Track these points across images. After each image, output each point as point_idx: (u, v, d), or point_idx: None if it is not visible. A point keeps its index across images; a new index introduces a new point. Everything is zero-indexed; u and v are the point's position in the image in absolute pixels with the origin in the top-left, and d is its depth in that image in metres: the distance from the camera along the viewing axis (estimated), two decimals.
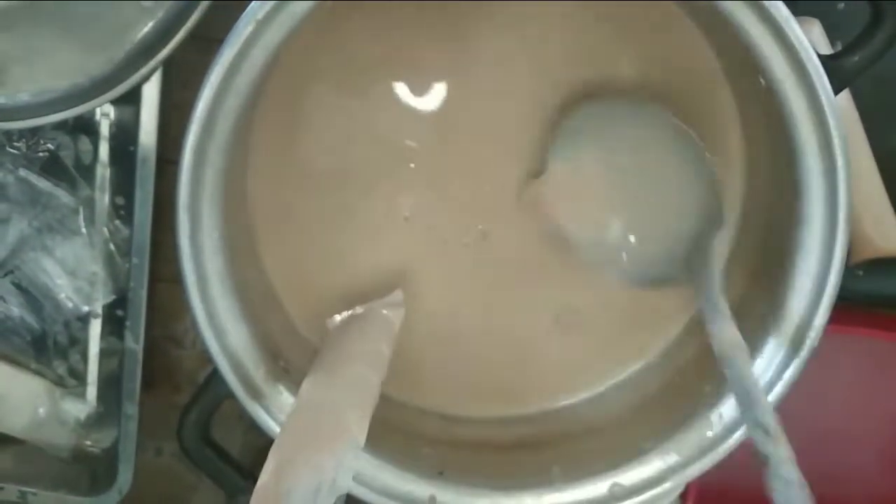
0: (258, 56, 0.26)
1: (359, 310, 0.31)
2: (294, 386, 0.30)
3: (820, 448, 0.41)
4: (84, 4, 0.31)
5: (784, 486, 0.22)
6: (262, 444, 0.32)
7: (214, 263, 0.28)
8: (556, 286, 0.35)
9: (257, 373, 0.29)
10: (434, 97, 0.33)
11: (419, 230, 0.34)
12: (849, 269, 0.33)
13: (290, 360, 0.31)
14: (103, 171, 0.38)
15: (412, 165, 0.34)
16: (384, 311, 0.32)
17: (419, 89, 0.33)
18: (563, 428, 0.35)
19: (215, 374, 0.29)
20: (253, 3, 0.26)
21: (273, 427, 0.29)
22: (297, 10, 0.26)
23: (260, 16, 0.26)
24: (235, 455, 0.40)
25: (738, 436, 0.29)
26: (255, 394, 0.29)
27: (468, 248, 0.35)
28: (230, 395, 0.29)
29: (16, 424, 0.39)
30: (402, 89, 0.33)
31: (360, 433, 0.25)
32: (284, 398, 0.30)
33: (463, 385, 0.36)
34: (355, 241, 0.34)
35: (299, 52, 0.31)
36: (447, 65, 0.33)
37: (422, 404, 0.36)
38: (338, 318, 0.32)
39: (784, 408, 0.29)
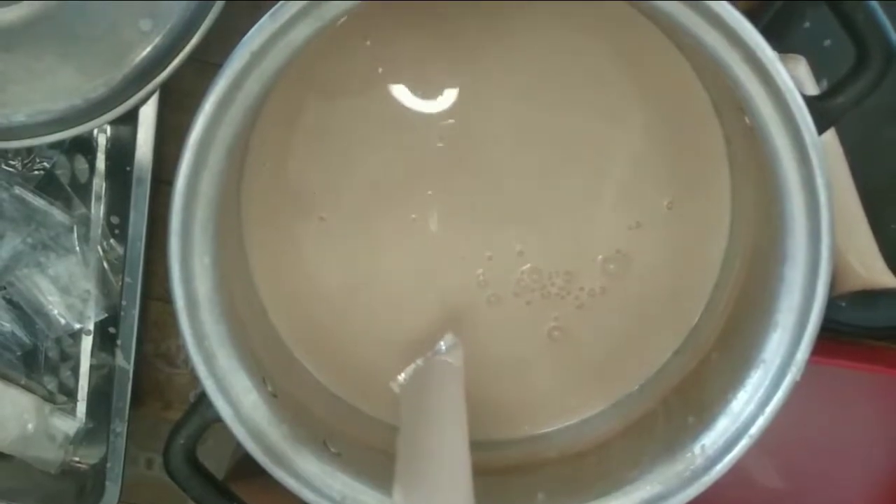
0: (252, 86, 0.26)
1: (420, 363, 0.32)
2: (281, 409, 0.30)
3: (804, 477, 0.41)
4: (83, 28, 0.31)
5: None
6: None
7: (205, 288, 0.28)
8: (550, 310, 0.35)
9: (246, 397, 0.29)
10: (434, 105, 0.33)
11: (414, 251, 0.35)
12: (833, 301, 0.33)
13: (278, 384, 0.31)
14: (99, 191, 0.38)
15: (413, 182, 0.34)
16: (445, 359, 0.32)
17: (419, 99, 0.33)
18: (550, 453, 0.35)
19: (203, 398, 0.29)
20: (249, 33, 0.26)
21: (260, 455, 0.29)
22: (294, 41, 0.26)
23: (255, 47, 0.26)
24: (223, 473, 0.41)
25: (720, 468, 0.30)
26: (243, 418, 0.29)
27: (469, 270, 0.35)
28: (218, 420, 0.29)
29: (4, 439, 0.40)
30: (401, 101, 0.33)
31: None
32: (271, 423, 0.30)
33: None
34: (347, 260, 0.35)
35: (295, 73, 0.31)
36: (441, 71, 0.33)
37: None
38: (401, 377, 0.32)
39: (767, 439, 0.29)
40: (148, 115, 0.34)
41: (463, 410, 0.29)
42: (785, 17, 0.37)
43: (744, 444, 0.29)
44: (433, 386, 0.30)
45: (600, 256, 0.35)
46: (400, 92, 0.33)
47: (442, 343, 0.33)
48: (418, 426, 0.28)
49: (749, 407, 0.29)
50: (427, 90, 0.33)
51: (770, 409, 0.29)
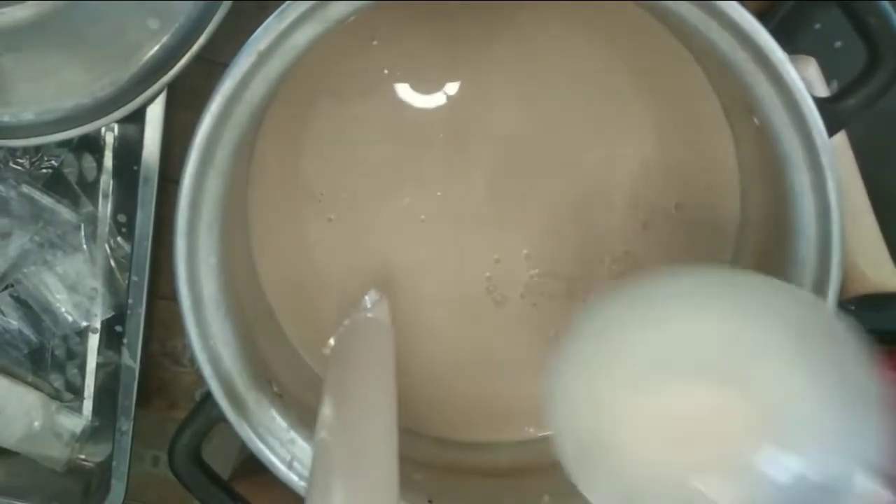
0: (259, 86, 0.26)
1: (346, 323, 0.31)
2: (285, 409, 0.30)
3: None
4: (91, 27, 0.31)
5: None
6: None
7: (210, 288, 0.29)
8: (557, 312, 0.35)
9: (250, 397, 0.29)
10: (442, 107, 0.33)
11: (422, 253, 0.35)
12: (841, 304, 0.33)
13: (283, 384, 0.31)
14: (106, 189, 0.38)
15: (417, 181, 0.34)
16: (369, 315, 0.31)
17: (423, 97, 0.33)
18: (556, 455, 0.35)
19: (209, 398, 0.29)
20: (256, 32, 0.26)
21: (264, 451, 0.29)
22: (300, 41, 0.26)
23: (262, 47, 0.26)
24: (230, 471, 0.41)
25: None
26: (248, 418, 0.29)
27: (476, 273, 0.35)
28: (223, 419, 0.29)
29: (10, 437, 0.40)
30: (408, 102, 0.33)
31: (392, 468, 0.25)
32: (277, 422, 0.30)
33: (457, 409, 0.36)
34: (355, 261, 0.35)
35: (302, 74, 0.31)
36: (448, 72, 0.33)
37: (415, 427, 0.36)
38: (331, 341, 0.32)
39: None
40: (155, 114, 0.34)
41: (391, 368, 0.28)
42: (795, 19, 0.37)
43: None
44: (360, 343, 0.29)
45: (608, 258, 0.35)
46: (407, 93, 0.33)
47: (367, 299, 0.32)
48: (345, 386, 0.27)
49: None
50: (434, 92, 0.33)
51: None
